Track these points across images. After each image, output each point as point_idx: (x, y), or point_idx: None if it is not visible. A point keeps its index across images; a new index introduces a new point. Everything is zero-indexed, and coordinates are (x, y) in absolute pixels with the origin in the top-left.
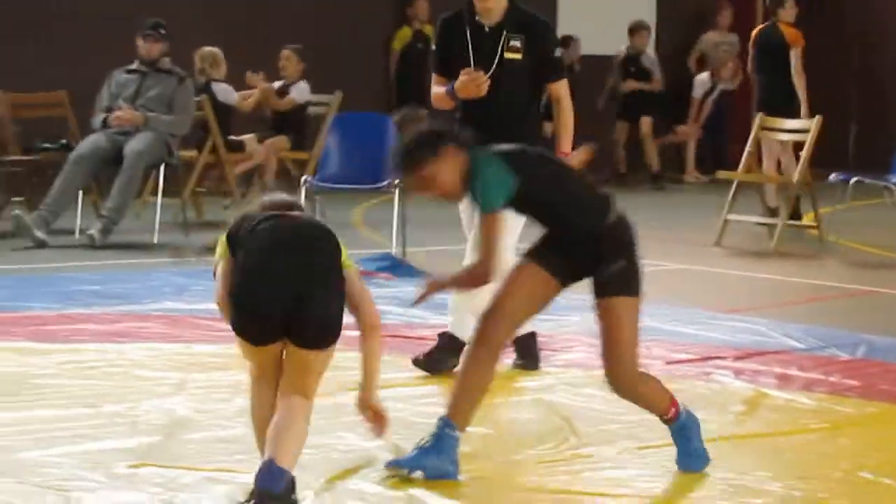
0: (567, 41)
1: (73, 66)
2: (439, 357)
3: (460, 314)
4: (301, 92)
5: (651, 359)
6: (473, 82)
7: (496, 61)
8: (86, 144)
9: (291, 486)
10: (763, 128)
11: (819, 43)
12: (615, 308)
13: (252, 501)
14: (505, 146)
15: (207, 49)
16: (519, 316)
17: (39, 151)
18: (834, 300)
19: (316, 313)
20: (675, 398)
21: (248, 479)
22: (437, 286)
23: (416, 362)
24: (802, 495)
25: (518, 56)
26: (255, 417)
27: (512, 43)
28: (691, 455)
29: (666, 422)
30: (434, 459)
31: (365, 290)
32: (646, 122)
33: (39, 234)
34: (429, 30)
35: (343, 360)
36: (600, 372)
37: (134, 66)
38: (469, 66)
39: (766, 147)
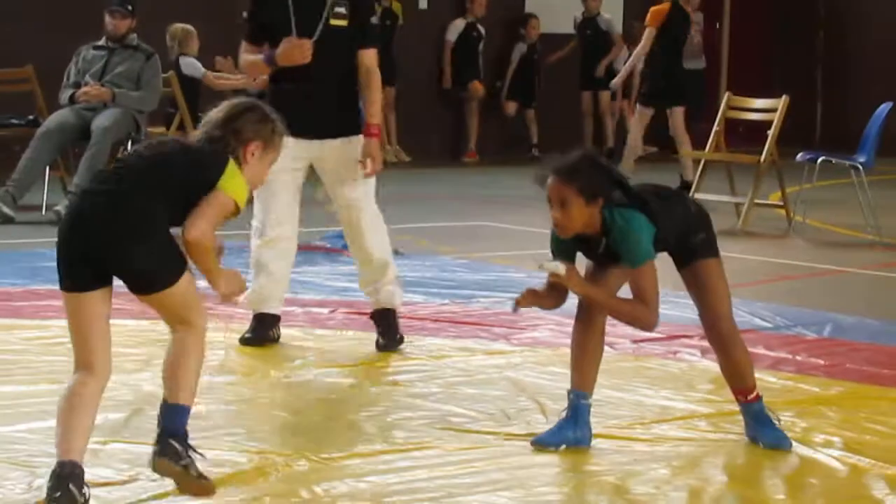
0: (528, 18)
1: (41, 42)
2: (262, 333)
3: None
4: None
5: (617, 337)
6: (298, 49)
7: (320, 28)
8: (53, 120)
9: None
10: (731, 107)
11: (787, 22)
12: (707, 268)
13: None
14: (630, 192)
15: (179, 25)
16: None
17: (6, 127)
18: (801, 279)
19: (131, 268)
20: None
21: (214, 455)
22: (587, 291)
23: (244, 341)
24: (770, 474)
25: (343, 23)
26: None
27: (337, 9)
28: (777, 434)
29: (746, 402)
30: (571, 430)
31: (207, 207)
32: (604, 96)
33: (6, 209)
34: (397, 7)
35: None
36: (566, 350)
37: (101, 42)
38: (290, 33)
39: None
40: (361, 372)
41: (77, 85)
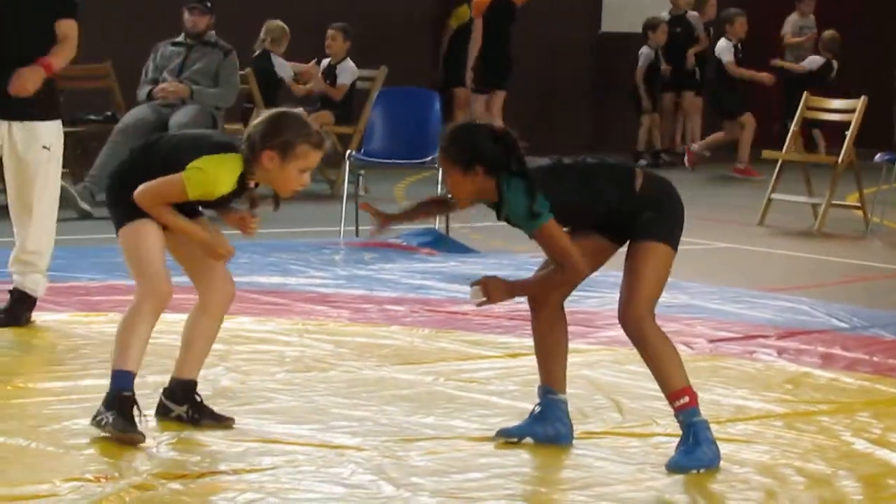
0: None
1: (119, 39)
2: (15, 312)
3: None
4: (348, 73)
5: (694, 336)
6: None
7: None
8: (131, 116)
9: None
10: (808, 107)
11: (865, 22)
12: (639, 249)
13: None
14: (531, 165)
15: (277, 22)
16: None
17: (84, 123)
18: (878, 281)
19: None
20: (694, 392)
21: (291, 449)
22: (514, 292)
23: None
24: (847, 474)
25: None
26: None
27: None
28: (684, 459)
29: (677, 409)
30: (541, 426)
31: (159, 180)
32: (688, 95)
33: (84, 205)
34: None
35: None
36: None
37: (180, 38)
38: None
39: None
40: (438, 369)
41: (155, 81)
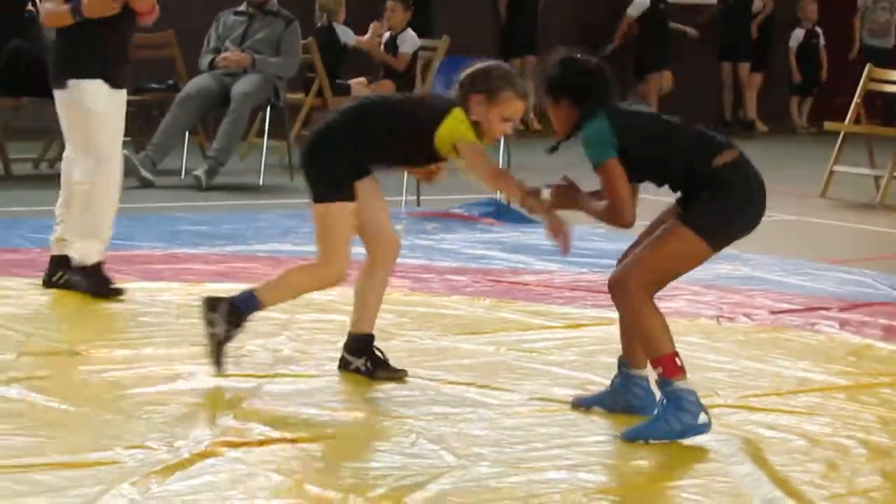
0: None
1: (182, 7)
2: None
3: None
4: (410, 42)
5: (755, 308)
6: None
7: None
8: (193, 85)
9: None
10: (871, 79)
11: None
12: (673, 226)
13: None
14: (623, 107)
15: None
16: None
17: (147, 91)
18: None
19: None
20: (681, 365)
21: (351, 418)
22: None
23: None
24: None
25: None
26: None
27: None
28: (659, 421)
29: (659, 376)
30: (611, 398)
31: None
32: (744, 68)
33: (146, 174)
34: None
35: None
36: (704, 321)
37: (242, 7)
38: None
39: None
40: (499, 339)
41: (217, 50)
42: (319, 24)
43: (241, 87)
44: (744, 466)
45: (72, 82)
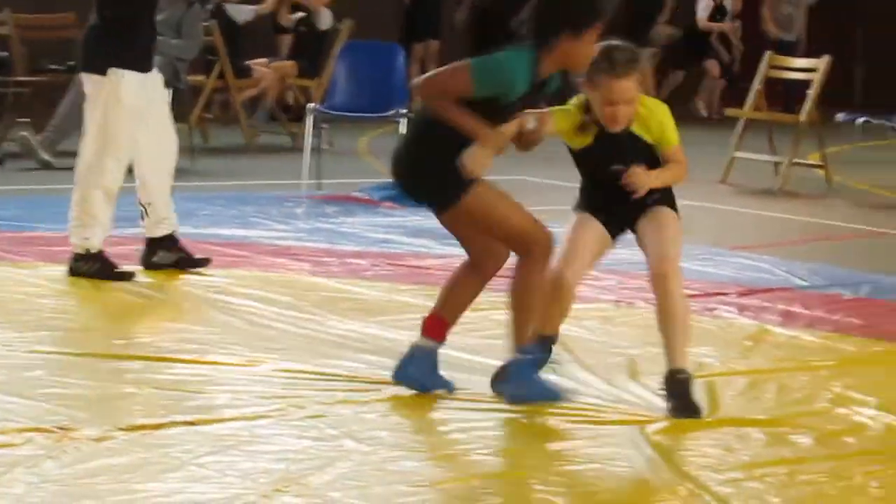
0: None
1: None
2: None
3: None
4: (323, 18)
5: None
6: None
7: None
8: None
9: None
10: (771, 66)
11: None
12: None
13: None
14: None
15: None
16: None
17: (45, 72)
18: (839, 241)
19: None
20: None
21: (251, 402)
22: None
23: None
24: (806, 431)
25: None
26: None
27: None
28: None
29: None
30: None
31: None
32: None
33: (45, 155)
34: None
35: None
36: (603, 304)
37: None
38: None
39: None
40: (400, 323)
41: None
42: (210, 6)
43: None
44: (642, 451)
45: (111, 71)
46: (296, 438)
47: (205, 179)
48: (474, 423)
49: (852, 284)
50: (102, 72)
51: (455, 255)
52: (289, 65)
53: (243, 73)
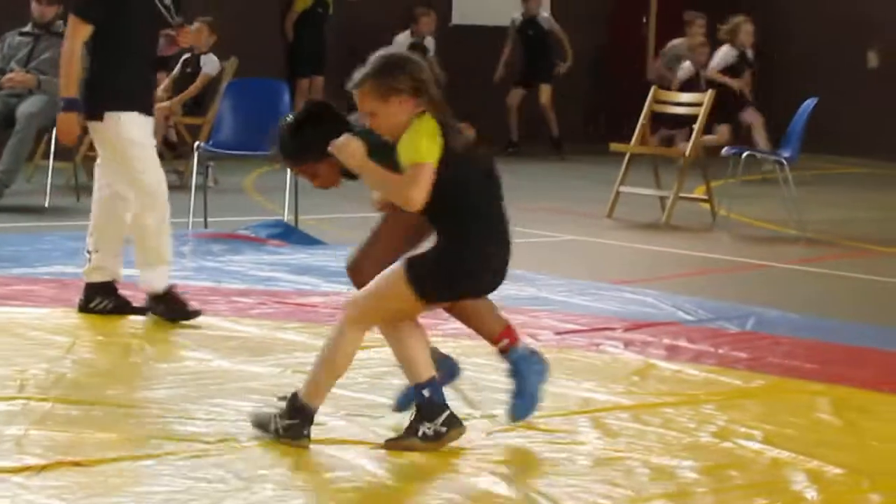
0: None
1: None
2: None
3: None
4: (212, 64)
5: (540, 328)
6: None
7: None
8: None
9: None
10: (656, 100)
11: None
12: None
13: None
14: None
15: None
16: None
17: None
18: (724, 273)
19: None
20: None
21: (136, 444)
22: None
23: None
24: (691, 465)
25: None
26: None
27: None
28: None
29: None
30: None
31: None
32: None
33: None
34: None
35: None
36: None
37: (27, 28)
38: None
39: None
40: (285, 361)
41: (2, 71)
42: None
43: (26, 107)
44: (521, 487)
45: (108, 114)
46: (183, 479)
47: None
48: (351, 461)
49: (737, 317)
50: (100, 117)
51: (342, 291)
52: (173, 102)
53: None
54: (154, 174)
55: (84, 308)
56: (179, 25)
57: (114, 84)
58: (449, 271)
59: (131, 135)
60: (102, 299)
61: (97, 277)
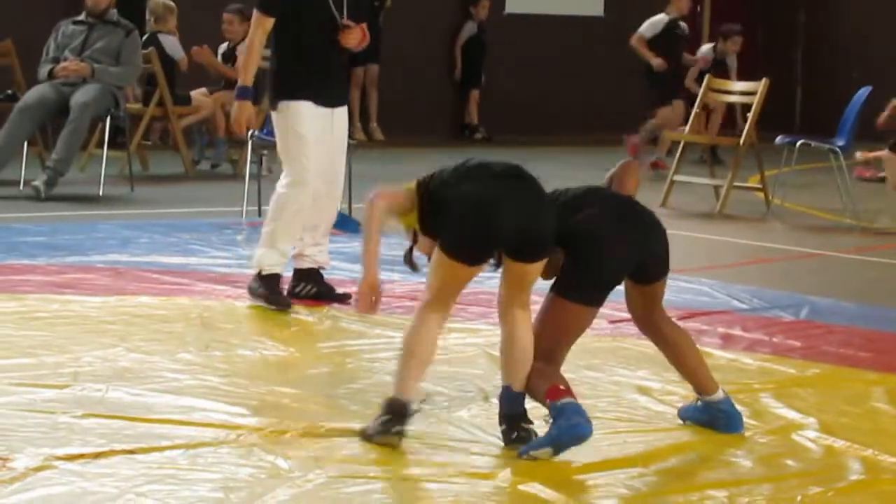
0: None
1: (20, 16)
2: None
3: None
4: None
5: (597, 317)
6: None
7: None
8: (32, 95)
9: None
10: (710, 89)
11: (768, 5)
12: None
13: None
14: None
15: (160, 0)
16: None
17: None
18: (778, 262)
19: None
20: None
21: (190, 432)
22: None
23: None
24: (744, 454)
25: None
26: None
27: None
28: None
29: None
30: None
31: None
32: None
33: None
34: None
35: None
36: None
37: (81, 17)
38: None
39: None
40: (340, 350)
41: (56, 60)
42: (147, 35)
43: (80, 96)
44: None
45: (282, 104)
46: (235, 467)
47: (144, 207)
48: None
49: (791, 307)
50: (275, 107)
51: (395, 279)
52: (229, 93)
53: (182, 101)
54: (304, 164)
55: (290, 293)
56: (346, 27)
57: (289, 75)
58: (451, 228)
59: (297, 125)
60: (307, 284)
61: (301, 264)
